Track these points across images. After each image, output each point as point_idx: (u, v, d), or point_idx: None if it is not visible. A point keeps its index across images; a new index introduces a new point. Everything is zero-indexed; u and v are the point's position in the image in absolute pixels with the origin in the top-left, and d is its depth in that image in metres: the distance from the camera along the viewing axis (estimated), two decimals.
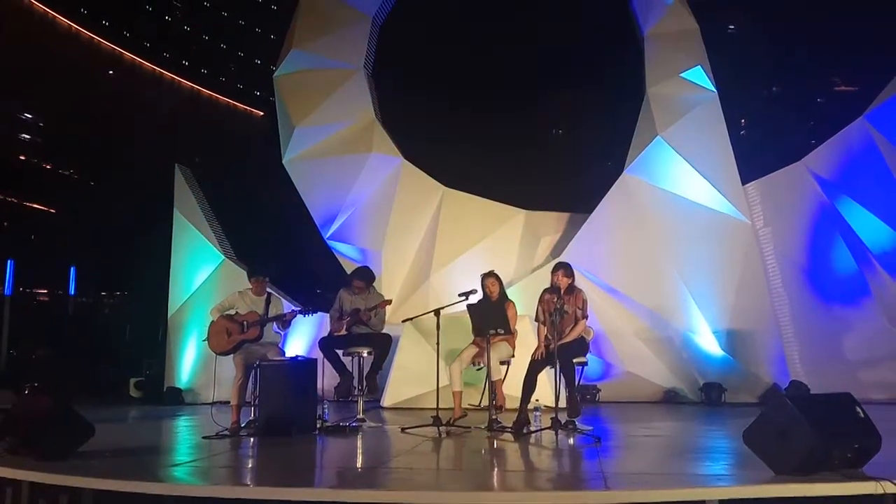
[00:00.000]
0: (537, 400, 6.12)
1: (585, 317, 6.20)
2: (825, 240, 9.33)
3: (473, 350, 6.48)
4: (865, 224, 9.11)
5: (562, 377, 5.85)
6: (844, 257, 9.21)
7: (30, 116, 31.13)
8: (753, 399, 8.80)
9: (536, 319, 6.38)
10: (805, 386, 8.52)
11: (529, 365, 6.12)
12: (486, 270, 6.71)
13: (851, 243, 9.19)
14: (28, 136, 31.10)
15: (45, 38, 30.84)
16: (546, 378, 6.48)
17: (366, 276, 7.16)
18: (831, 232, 9.31)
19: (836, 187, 9.31)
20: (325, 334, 7.13)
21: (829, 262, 9.30)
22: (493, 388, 6.21)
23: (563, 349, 5.89)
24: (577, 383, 6.11)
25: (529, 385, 6.06)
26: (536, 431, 5.87)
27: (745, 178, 9.41)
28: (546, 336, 6.14)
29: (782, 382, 8.77)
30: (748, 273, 9.15)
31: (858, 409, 4.01)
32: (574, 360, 6.05)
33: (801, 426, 3.77)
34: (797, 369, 9.00)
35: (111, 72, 34.99)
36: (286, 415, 5.97)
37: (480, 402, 6.59)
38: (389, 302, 7.14)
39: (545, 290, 6.34)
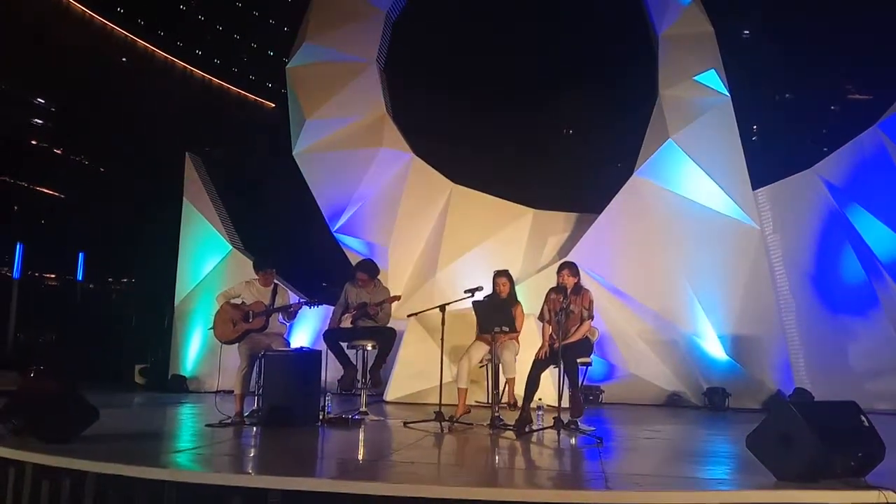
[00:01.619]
0: (540, 399, 6.12)
1: (591, 317, 6.20)
2: (834, 248, 9.28)
3: (485, 348, 6.43)
4: (875, 233, 9.05)
5: (565, 377, 5.85)
6: (853, 266, 9.16)
7: (42, 101, 31.27)
8: (757, 405, 8.76)
9: (541, 318, 6.37)
10: (809, 394, 8.49)
11: (533, 364, 6.13)
12: (499, 268, 6.70)
13: (861, 252, 9.13)
14: (40, 121, 31.25)
15: (59, 24, 30.97)
16: (549, 377, 6.48)
17: (369, 268, 7.12)
18: (841, 240, 9.26)
19: (847, 195, 9.25)
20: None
21: (838, 270, 9.25)
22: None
23: (568, 349, 5.89)
24: (580, 384, 6.12)
25: (532, 384, 6.07)
26: (539, 430, 5.88)
27: (756, 184, 9.37)
28: (551, 335, 6.14)
29: (787, 389, 8.73)
30: (755, 279, 9.11)
31: (863, 418, 4.00)
32: (578, 361, 6.05)
33: (805, 433, 3.76)
34: (802, 377, 8.96)
35: (124, 59, 35.10)
36: (289, 405, 5.99)
37: (489, 398, 6.58)
38: (398, 298, 7.11)
39: (551, 290, 6.35)
